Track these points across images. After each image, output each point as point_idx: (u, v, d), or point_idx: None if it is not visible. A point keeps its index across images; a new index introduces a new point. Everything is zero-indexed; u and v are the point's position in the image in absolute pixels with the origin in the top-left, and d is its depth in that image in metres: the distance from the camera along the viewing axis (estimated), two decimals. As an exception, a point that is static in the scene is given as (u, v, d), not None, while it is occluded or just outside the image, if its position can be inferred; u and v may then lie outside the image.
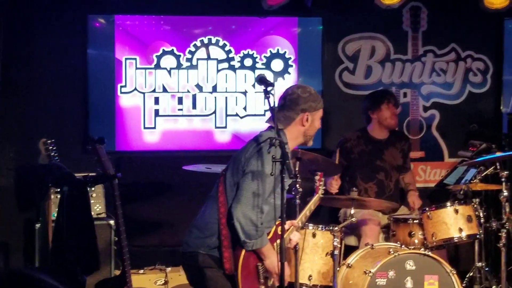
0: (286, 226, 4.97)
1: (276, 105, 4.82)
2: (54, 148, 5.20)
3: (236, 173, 4.78)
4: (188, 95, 7.47)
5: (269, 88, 4.69)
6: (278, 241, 4.73)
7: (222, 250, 4.72)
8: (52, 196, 5.38)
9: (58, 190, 4.94)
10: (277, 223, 4.83)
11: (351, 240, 6.95)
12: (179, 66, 7.45)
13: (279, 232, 4.75)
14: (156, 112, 7.42)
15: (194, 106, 7.46)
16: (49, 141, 5.19)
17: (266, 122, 5.03)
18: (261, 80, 4.74)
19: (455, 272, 6.21)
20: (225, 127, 7.54)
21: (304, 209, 5.51)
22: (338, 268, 6.18)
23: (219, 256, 4.74)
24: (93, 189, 6.19)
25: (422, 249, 6.32)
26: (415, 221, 6.56)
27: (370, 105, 7.12)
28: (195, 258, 4.79)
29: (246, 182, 4.69)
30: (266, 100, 4.69)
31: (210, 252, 4.77)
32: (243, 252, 4.75)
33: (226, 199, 4.77)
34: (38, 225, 5.93)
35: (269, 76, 7.41)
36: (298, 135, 4.95)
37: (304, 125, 4.92)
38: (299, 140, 4.99)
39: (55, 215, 5.08)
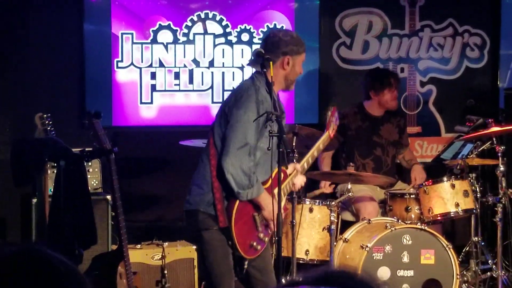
0: (289, 170, 4.98)
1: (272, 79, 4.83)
2: (51, 122, 5.19)
3: (223, 124, 4.81)
4: (185, 70, 7.45)
5: (266, 63, 4.71)
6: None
7: (215, 203, 4.73)
8: (49, 171, 5.37)
9: (55, 164, 4.93)
10: (275, 171, 4.74)
11: (348, 215, 6.96)
12: (175, 41, 7.42)
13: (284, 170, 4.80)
14: (153, 87, 7.40)
15: (191, 81, 7.44)
16: (45, 116, 5.17)
17: (247, 65, 5.05)
18: (258, 54, 4.74)
19: (451, 247, 6.24)
20: (222, 102, 7.52)
21: (311, 149, 5.30)
22: (335, 243, 6.21)
23: (215, 211, 4.75)
24: (89, 164, 6.17)
25: (419, 223, 6.34)
26: (411, 196, 6.58)
27: (373, 85, 7.05)
28: (195, 217, 4.81)
29: (232, 133, 4.70)
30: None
31: (209, 210, 4.77)
32: (237, 203, 4.73)
33: (216, 151, 4.79)
34: (35, 200, 5.93)
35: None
36: (279, 79, 4.89)
37: (285, 68, 4.87)
38: (281, 85, 4.94)
39: (52, 189, 5.09)
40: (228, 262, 4.84)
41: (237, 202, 4.74)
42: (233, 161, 4.67)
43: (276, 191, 4.64)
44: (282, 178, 4.65)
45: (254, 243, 4.79)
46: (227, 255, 4.81)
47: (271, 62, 4.68)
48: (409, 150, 7.44)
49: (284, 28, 5.06)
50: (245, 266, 4.85)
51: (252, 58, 5.07)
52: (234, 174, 4.67)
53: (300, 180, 5.09)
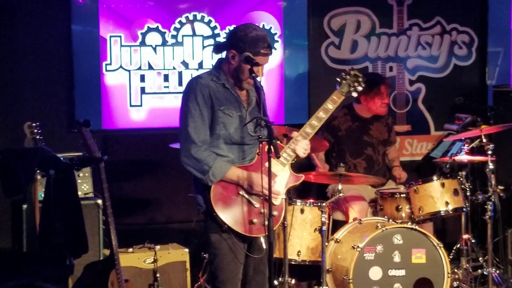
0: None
1: (260, 81, 4.85)
2: (40, 131, 5.19)
3: None
4: (174, 72, 7.44)
5: (254, 67, 4.72)
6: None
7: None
8: (39, 177, 5.37)
9: (44, 173, 4.93)
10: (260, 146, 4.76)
11: (339, 215, 6.97)
12: (164, 43, 7.41)
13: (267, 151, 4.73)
14: (142, 90, 7.39)
15: (180, 83, 7.43)
16: (34, 124, 5.17)
17: (212, 51, 5.04)
18: (247, 59, 4.74)
19: (442, 246, 6.27)
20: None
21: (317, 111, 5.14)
22: (326, 244, 6.22)
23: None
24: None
25: (409, 223, 6.36)
26: (402, 195, 6.61)
27: (364, 90, 7.00)
28: (204, 219, 4.83)
29: (180, 127, 4.81)
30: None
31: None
32: (212, 190, 4.73)
33: None
34: (25, 206, 5.93)
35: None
36: (230, 73, 4.84)
37: (231, 63, 4.83)
38: (234, 81, 4.85)
39: (42, 195, 5.08)
40: (233, 268, 4.81)
41: (212, 188, 4.73)
42: (185, 154, 4.75)
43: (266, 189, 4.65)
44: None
45: (254, 220, 4.76)
46: (234, 261, 4.79)
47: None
48: (395, 148, 7.47)
49: (250, 24, 4.93)
50: (263, 246, 4.81)
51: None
52: (191, 164, 4.73)
53: (302, 145, 4.92)
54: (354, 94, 5.16)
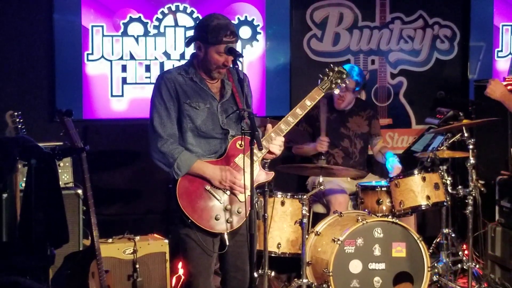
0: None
1: (243, 76, 4.84)
2: (21, 120, 5.15)
3: None
4: (156, 63, 7.41)
5: (238, 59, 4.71)
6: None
7: None
8: (20, 167, 5.33)
9: (26, 163, 4.89)
10: (233, 140, 4.81)
11: (319, 208, 6.98)
12: (146, 34, 7.38)
13: (237, 146, 4.77)
14: (124, 80, 7.36)
15: (162, 74, 7.40)
16: (16, 113, 5.13)
17: (185, 46, 5.05)
18: (230, 51, 4.73)
19: (422, 239, 6.29)
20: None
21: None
22: (306, 236, 6.23)
23: None
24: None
25: (390, 216, 6.38)
26: (383, 189, 6.61)
27: None
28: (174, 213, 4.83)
29: (148, 122, 4.85)
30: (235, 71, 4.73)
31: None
32: (178, 184, 4.74)
33: None
34: (5, 195, 5.88)
35: (237, 44, 7.35)
36: (199, 64, 4.85)
37: (199, 54, 4.83)
38: (204, 72, 4.85)
39: (23, 185, 5.04)
40: (203, 261, 4.80)
41: (178, 182, 4.74)
42: (153, 148, 4.79)
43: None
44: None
45: (218, 216, 4.74)
46: (203, 255, 4.78)
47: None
48: (381, 141, 7.45)
49: (217, 14, 4.91)
50: (227, 243, 4.79)
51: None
52: (158, 157, 4.77)
53: (277, 143, 4.87)
54: (336, 91, 5.13)
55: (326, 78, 5.07)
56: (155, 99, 4.83)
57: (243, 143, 4.72)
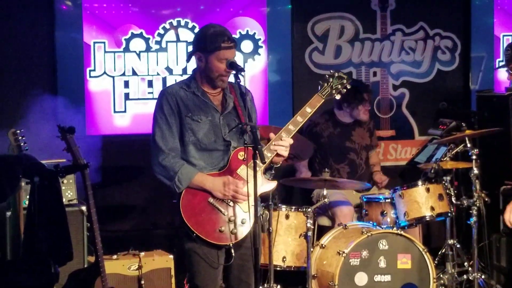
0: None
1: (246, 90, 4.83)
2: (24, 138, 5.16)
3: None
4: (158, 78, 7.43)
5: (240, 73, 4.72)
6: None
7: None
8: (23, 184, 5.33)
9: (29, 181, 4.89)
10: (235, 151, 4.81)
11: (324, 220, 6.97)
12: (148, 49, 7.40)
13: (239, 158, 4.76)
14: (126, 96, 7.37)
15: (164, 89, 7.42)
16: (18, 131, 5.14)
17: (186, 61, 5.07)
18: (231, 65, 4.74)
19: (427, 251, 6.28)
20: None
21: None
22: (311, 249, 6.21)
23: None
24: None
25: (395, 228, 6.36)
26: (387, 201, 6.60)
27: (346, 98, 6.91)
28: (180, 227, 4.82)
29: (151, 137, 4.86)
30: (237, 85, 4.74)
31: None
32: (182, 198, 4.73)
33: None
34: (9, 213, 5.89)
35: (239, 58, 7.39)
36: (202, 75, 4.87)
37: (200, 65, 4.86)
38: (208, 83, 4.86)
39: (26, 202, 5.04)
40: (210, 274, 4.79)
41: (181, 196, 4.74)
42: (154, 162, 4.81)
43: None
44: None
45: (222, 228, 4.73)
46: (209, 268, 4.77)
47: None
48: (376, 153, 7.48)
49: (213, 24, 4.93)
50: (233, 254, 4.78)
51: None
52: (159, 171, 4.79)
53: (282, 144, 4.80)
54: (337, 97, 5.06)
55: (326, 84, 5.03)
56: (157, 114, 4.86)
57: (245, 154, 4.71)
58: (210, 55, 4.77)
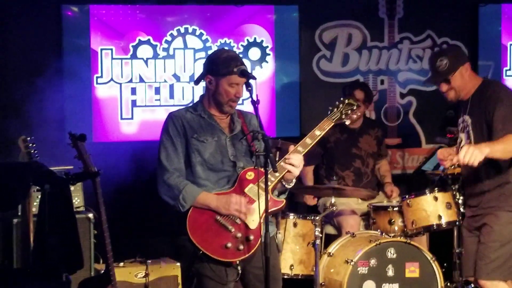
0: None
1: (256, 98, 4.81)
2: (34, 145, 5.15)
3: None
4: (165, 85, 7.43)
5: (251, 81, 4.70)
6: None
7: None
8: (33, 192, 5.32)
9: (39, 188, 4.88)
10: (242, 172, 4.78)
11: (330, 229, 6.96)
12: (155, 56, 7.40)
13: (248, 177, 4.74)
14: (133, 103, 7.37)
15: (171, 96, 7.42)
16: (28, 138, 5.13)
17: (194, 84, 5.02)
18: (243, 73, 4.72)
19: (435, 259, 6.26)
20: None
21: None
22: (319, 258, 6.20)
23: None
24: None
25: (403, 237, 6.35)
26: (395, 209, 6.60)
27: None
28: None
29: (157, 159, 4.87)
30: (248, 93, 4.71)
31: None
32: (188, 217, 4.71)
33: None
34: (15, 220, 5.87)
35: (247, 65, 7.36)
36: (210, 99, 4.85)
37: (210, 88, 4.84)
38: (216, 107, 4.85)
39: (36, 213, 5.02)
40: None
41: (188, 214, 4.72)
42: (159, 181, 4.82)
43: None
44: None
45: (228, 244, 4.71)
46: (217, 284, 4.74)
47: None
48: (386, 162, 7.46)
49: (225, 48, 4.94)
50: (239, 272, 4.75)
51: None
52: (164, 191, 4.79)
53: (296, 161, 4.75)
54: (347, 122, 5.07)
55: (336, 109, 5.03)
56: (163, 136, 4.86)
57: (255, 163, 4.68)
58: (221, 79, 4.76)
